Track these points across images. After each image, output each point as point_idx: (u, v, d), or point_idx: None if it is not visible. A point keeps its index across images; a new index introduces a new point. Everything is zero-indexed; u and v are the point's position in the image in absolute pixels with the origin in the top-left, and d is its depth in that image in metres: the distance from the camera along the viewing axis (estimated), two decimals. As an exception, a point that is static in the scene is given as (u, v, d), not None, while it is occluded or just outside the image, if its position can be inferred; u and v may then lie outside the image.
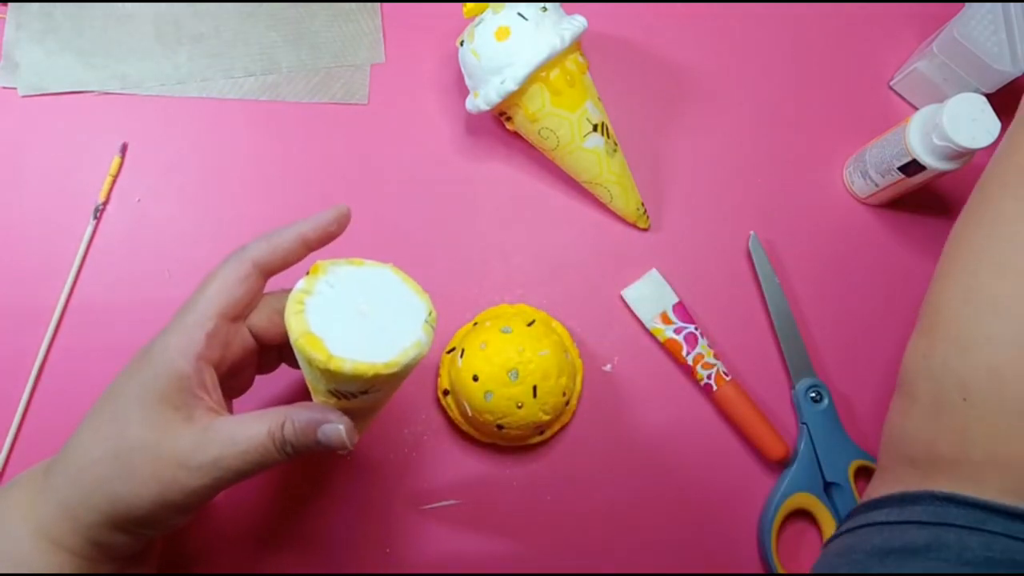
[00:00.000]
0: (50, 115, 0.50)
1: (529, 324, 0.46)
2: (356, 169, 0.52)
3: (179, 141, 0.51)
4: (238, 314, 0.35)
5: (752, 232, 0.52)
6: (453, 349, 0.48)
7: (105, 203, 0.49)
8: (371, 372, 0.31)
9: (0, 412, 0.46)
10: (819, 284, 0.53)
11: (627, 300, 0.51)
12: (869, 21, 0.58)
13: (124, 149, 0.50)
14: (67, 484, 0.33)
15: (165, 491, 0.32)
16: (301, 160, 0.52)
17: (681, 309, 0.50)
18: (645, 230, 0.53)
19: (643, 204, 0.52)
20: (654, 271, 0.51)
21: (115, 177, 0.50)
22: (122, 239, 0.49)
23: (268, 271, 0.36)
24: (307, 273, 0.33)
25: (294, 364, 0.37)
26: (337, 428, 0.33)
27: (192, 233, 0.50)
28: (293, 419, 0.33)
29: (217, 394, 0.35)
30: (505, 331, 0.45)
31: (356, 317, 0.32)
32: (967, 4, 0.50)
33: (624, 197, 0.51)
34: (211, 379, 0.34)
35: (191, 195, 0.50)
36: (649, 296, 0.51)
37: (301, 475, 0.47)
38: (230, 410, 0.39)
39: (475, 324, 0.49)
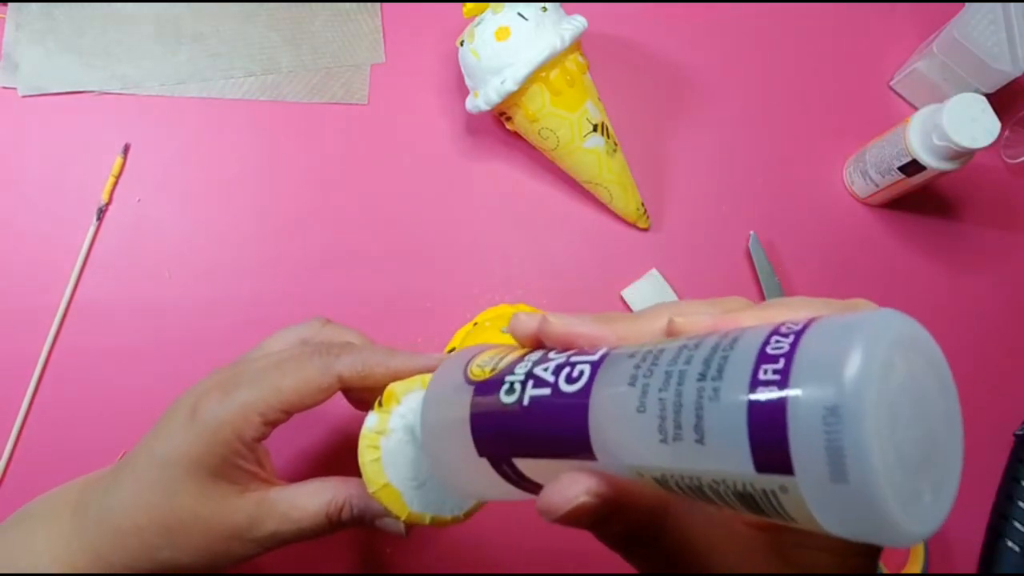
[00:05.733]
0: (50, 115, 0.50)
1: (529, 324, 0.46)
2: (356, 169, 0.52)
3: (179, 141, 0.51)
4: (304, 409, 0.34)
5: (752, 232, 0.52)
6: (453, 349, 0.48)
7: (108, 203, 0.49)
8: (449, 521, 0.30)
9: (2, 412, 0.46)
10: (819, 284, 0.53)
11: (627, 300, 0.51)
12: (869, 21, 0.58)
13: (126, 149, 0.50)
14: (108, 544, 0.32)
15: (216, 560, 0.32)
16: (301, 160, 0.52)
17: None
18: (645, 230, 0.53)
19: (643, 204, 0.52)
20: (654, 271, 0.51)
21: (117, 177, 0.50)
22: (122, 239, 0.49)
23: (348, 388, 0.34)
24: (378, 404, 0.31)
25: (356, 404, 0.36)
26: (397, 523, 0.32)
27: (192, 233, 0.50)
28: (353, 505, 0.33)
29: (269, 464, 0.34)
30: (505, 331, 0.45)
31: None
32: (967, 4, 0.50)
33: (624, 197, 0.51)
34: (264, 452, 0.34)
35: (191, 195, 0.50)
36: (649, 296, 0.51)
37: (301, 475, 0.47)
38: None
39: (475, 324, 0.49)
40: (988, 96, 0.46)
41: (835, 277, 0.53)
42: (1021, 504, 0.49)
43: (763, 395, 0.17)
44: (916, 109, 0.53)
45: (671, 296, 0.51)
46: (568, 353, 0.23)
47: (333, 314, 0.38)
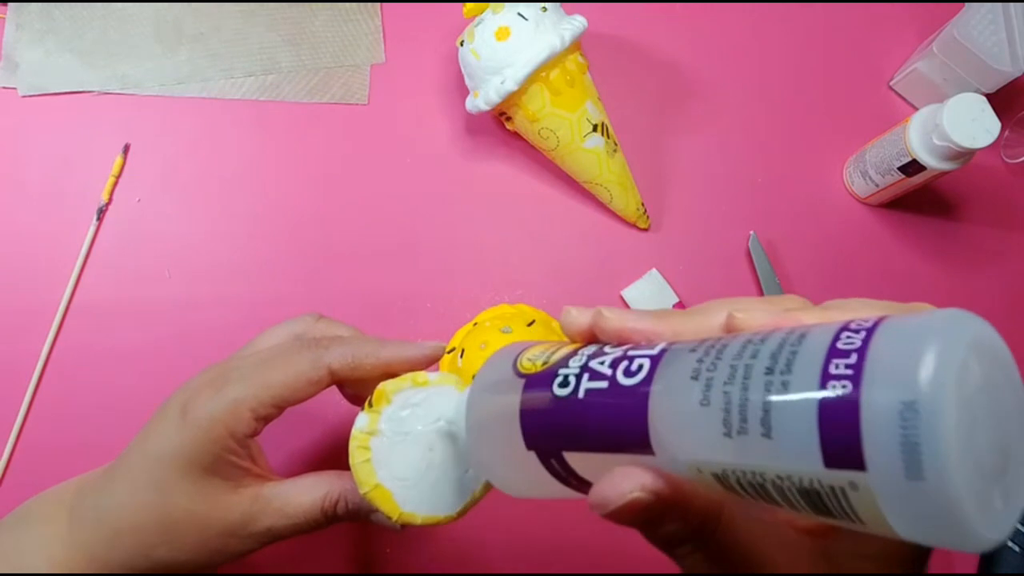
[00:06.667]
0: (50, 115, 0.50)
1: (529, 324, 0.46)
2: (356, 169, 0.52)
3: (179, 141, 0.51)
4: (296, 404, 0.33)
5: (752, 232, 0.52)
6: (453, 349, 0.48)
7: (108, 203, 0.49)
8: (442, 520, 0.30)
9: (3, 412, 0.46)
10: (819, 284, 0.53)
11: (627, 300, 0.51)
12: (869, 21, 0.58)
13: (126, 149, 0.50)
14: (104, 544, 0.32)
15: (213, 556, 0.32)
16: (301, 160, 0.52)
17: (681, 309, 0.50)
18: (645, 230, 0.53)
19: (643, 204, 0.52)
20: (654, 271, 0.51)
21: (117, 177, 0.50)
22: (122, 239, 0.49)
23: (340, 380, 0.34)
24: (368, 404, 0.30)
25: (352, 399, 0.36)
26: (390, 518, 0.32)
27: (192, 233, 0.50)
28: (348, 499, 0.33)
29: (263, 460, 0.34)
30: (505, 331, 0.45)
31: (424, 453, 0.30)
32: (967, 4, 0.50)
33: (624, 197, 0.51)
34: (257, 448, 0.34)
35: (191, 195, 0.50)
36: (649, 296, 0.51)
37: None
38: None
39: (475, 324, 0.49)
40: (988, 96, 0.46)
41: (835, 277, 0.53)
42: (1021, 504, 0.49)
43: (835, 389, 0.16)
44: (916, 109, 0.53)
45: (671, 296, 0.51)
46: (625, 347, 0.22)
47: (333, 314, 0.38)
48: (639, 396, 0.21)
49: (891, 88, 0.57)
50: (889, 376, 0.16)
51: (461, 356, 0.46)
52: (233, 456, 0.32)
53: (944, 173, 0.48)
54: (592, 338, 0.24)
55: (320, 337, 0.34)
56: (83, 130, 0.50)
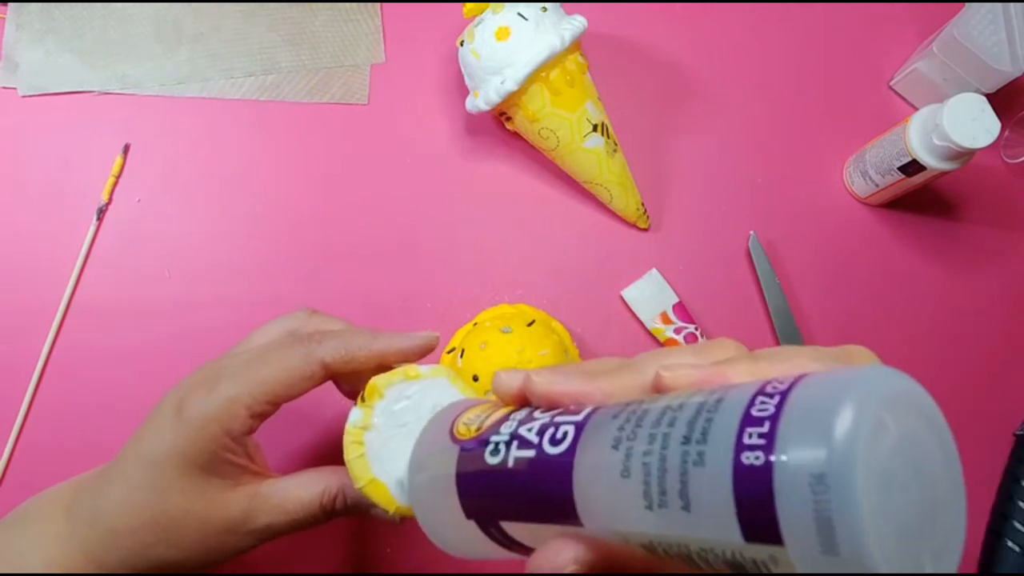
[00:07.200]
0: (50, 115, 0.50)
1: (529, 324, 0.46)
2: (356, 169, 0.52)
3: (179, 141, 0.51)
4: (290, 399, 0.33)
5: (752, 232, 0.52)
6: (453, 349, 0.48)
7: (108, 203, 0.49)
8: None
9: (3, 412, 0.46)
10: (819, 284, 0.53)
11: (627, 300, 0.51)
12: (869, 21, 0.58)
13: (126, 149, 0.50)
14: (101, 544, 0.32)
15: (212, 554, 0.32)
16: (301, 160, 0.52)
17: (681, 309, 0.50)
18: (645, 230, 0.53)
19: (643, 204, 0.52)
20: (654, 271, 0.51)
21: (117, 177, 0.50)
22: (122, 239, 0.49)
23: (334, 374, 0.33)
24: (361, 399, 0.30)
25: (349, 395, 0.36)
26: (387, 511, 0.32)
27: (192, 233, 0.50)
28: (346, 494, 0.33)
29: (260, 457, 0.34)
30: (505, 331, 0.45)
31: None
32: (967, 4, 0.50)
33: (624, 197, 0.51)
34: (253, 445, 0.34)
35: (191, 195, 0.50)
36: (649, 296, 0.51)
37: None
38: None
39: (475, 324, 0.49)
40: (988, 96, 0.46)
41: (835, 277, 0.53)
42: (1021, 504, 0.49)
43: (749, 460, 0.16)
44: (916, 109, 0.53)
45: (671, 296, 0.51)
46: (554, 412, 0.22)
47: (333, 314, 0.38)
48: (564, 466, 0.20)
49: (891, 88, 0.57)
50: (799, 446, 0.15)
51: (461, 356, 0.46)
52: (229, 454, 0.32)
53: (944, 173, 0.48)
54: (525, 401, 0.24)
55: (313, 332, 0.34)
56: (83, 130, 0.50)
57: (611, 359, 0.24)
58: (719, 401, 0.17)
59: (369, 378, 0.31)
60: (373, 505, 0.31)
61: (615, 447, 0.19)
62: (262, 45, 0.53)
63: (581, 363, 0.23)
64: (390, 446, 0.30)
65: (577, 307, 0.51)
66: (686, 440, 0.17)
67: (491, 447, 0.22)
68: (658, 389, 0.20)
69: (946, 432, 0.17)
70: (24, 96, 0.50)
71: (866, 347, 0.20)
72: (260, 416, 0.32)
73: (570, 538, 0.20)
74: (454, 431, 0.25)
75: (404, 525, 0.47)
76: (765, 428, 0.16)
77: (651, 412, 0.19)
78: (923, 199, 0.54)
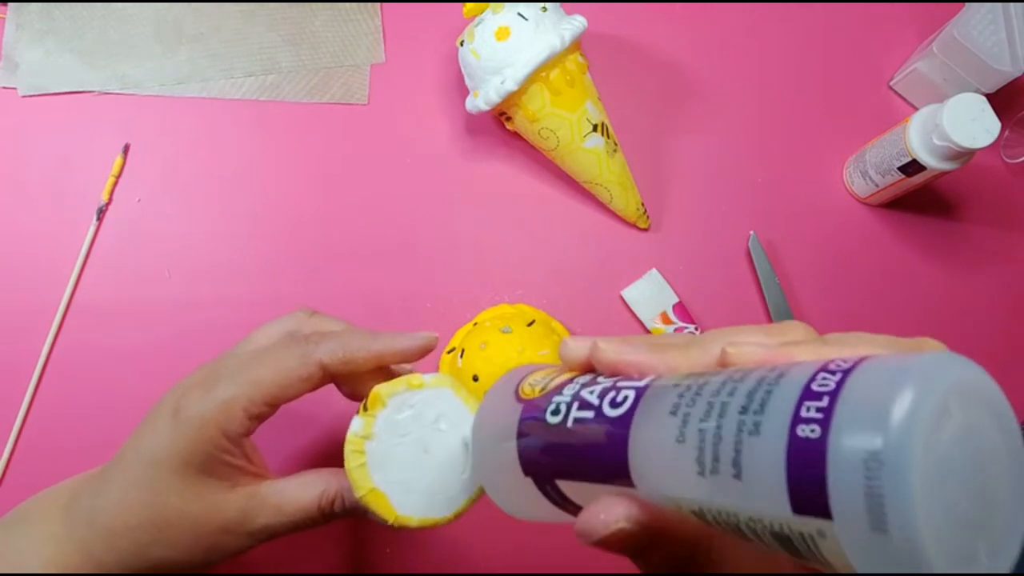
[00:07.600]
0: (50, 115, 0.50)
1: (529, 324, 0.46)
2: (356, 169, 0.52)
3: (179, 141, 0.51)
4: (289, 401, 0.33)
5: (752, 232, 0.52)
6: (453, 349, 0.48)
7: (108, 203, 0.49)
8: (439, 522, 0.30)
9: (3, 412, 0.46)
10: (819, 284, 0.53)
11: (627, 300, 0.51)
12: (869, 21, 0.58)
13: (126, 149, 0.50)
14: (99, 544, 0.32)
15: (209, 555, 0.32)
16: (301, 160, 0.52)
17: (681, 309, 0.50)
18: (645, 230, 0.53)
19: (643, 204, 0.52)
20: (654, 271, 0.51)
21: (117, 177, 0.50)
22: (122, 239, 0.49)
23: (334, 376, 0.33)
24: (363, 408, 0.30)
25: (349, 397, 0.36)
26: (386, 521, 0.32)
27: (192, 233, 0.50)
28: (345, 497, 0.33)
29: (258, 458, 0.34)
30: (505, 331, 0.45)
31: (419, 456, 0.30)
32: (967, 4, 0.50)
33: (624, 197, 0.51)
34: (252, 447, 0.34)
35: (191, 195, 0.50)
36: (649, 296, 0.51)
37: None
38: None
39: (475, 324, 0.49)
40: (988, 96, 0.46)
41: (835, 277, 0.53)
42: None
43: (804, 433, 0.16)
44: (916, 109, 0.53)
45: (671, 296, 0.51)
46: (616, 378, 0.22)
47: (333, 314, 0.38)
48: (621, 428, 0.20)
49: (891, 88, 0.57)
50: (857, 423, 0.15)
51: (461, 356, 0.46)
52: (227, 455, 0.32)
53: (944, 173, 0.48)
54: (590, 368, 0.24)
55: (311, 333, 0.34)
56: (83, 130, 0.50)
57: (679, 334, 0.24)
58: (781, 376, 0.17)
59: (369, 380, 0.31)
60: (367, 517, 0.31)
61: (673, 413, 0.19)
62: (262, 45, 0.53)
63: (648, 336, 0.23)
64: (391, 455, 0.30)
65: (577, 307, 0.51)
66: (744, 410, 0.17)
67: (552, 406, 0.23)
68: (724, 365, 0.20)
69: (1014, 429, 0.17)
70: (24, 96, 0.50)
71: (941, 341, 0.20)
72: (258, 417, 0.32)
73: (623, 496, 0.21)
74: (519, 391, 0.25)
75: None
76: (824, 403, 0.16)
77: (712, 382, 0.19)
78: (923, 199, 0.54)
